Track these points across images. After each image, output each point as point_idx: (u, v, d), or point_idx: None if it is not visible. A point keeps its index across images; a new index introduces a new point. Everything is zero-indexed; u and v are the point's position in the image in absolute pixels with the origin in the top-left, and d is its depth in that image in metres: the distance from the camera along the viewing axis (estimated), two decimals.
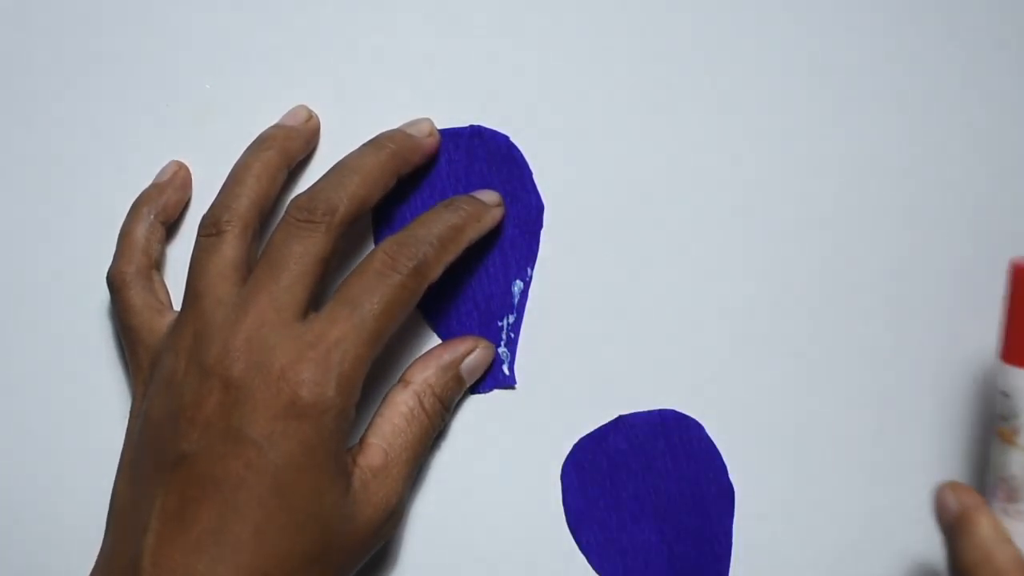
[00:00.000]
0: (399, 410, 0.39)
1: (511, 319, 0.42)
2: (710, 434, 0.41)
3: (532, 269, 0.42)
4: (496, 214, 0.40)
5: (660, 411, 0.41)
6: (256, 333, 0.35)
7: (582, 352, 0.42)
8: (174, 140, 0.43)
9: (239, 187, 0.39)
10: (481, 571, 0.42)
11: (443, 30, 0.42)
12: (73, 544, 0.42)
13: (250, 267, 0.38)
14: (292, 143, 0.41)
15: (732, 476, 0.41)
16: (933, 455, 0.40)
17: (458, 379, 0.40)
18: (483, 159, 0.42)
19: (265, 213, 0.40)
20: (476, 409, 0.42)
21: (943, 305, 0.40)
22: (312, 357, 0.35)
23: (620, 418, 0.41)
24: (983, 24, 0.41)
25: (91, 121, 0.43)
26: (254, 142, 0.41)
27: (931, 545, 0.39)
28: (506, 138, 0.42)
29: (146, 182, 0.43)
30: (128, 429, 0.39)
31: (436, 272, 0.38)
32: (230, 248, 0.38)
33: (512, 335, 0.42)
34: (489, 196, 0.41)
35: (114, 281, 0.40)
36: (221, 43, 0.43)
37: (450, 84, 0.42)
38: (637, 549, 0.41)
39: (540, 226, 0.42)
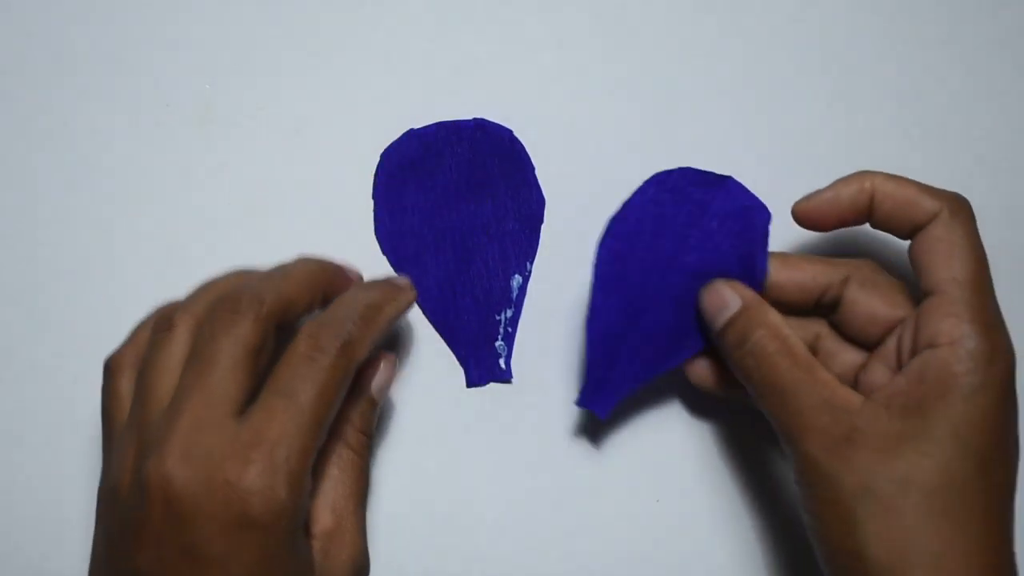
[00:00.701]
0: (329, 460, 0.37)
1: (509, 313, 0.42)
2: None
3: (531, 264, 0.42)
4: (410, 296, 0.38)
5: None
6: (192, 438, 0.33)
7: (579, 348, 0.42)
8: (174, 140, 0.43)
9: (207, 293, 0.37)
10: (474, 562, 0.42)
11: (446, 26, 0.43)
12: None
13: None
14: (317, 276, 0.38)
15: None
16: None
17: (371, 402, 0.38)
18: (486, 152, 0.42)
19: None
20: (471, 403, 0.42)
21: None
22: (256, 459, 0.33)
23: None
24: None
25: (91, 121, 0.43)
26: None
27: None
28: (509, 132, 0.42)
29: (146, 182, 0.43)
30: (95, 530, 0.36)
31: (363, 349, 0.36)
32: (178, 345, 0.35)
33: (510, 329, 0.42)
34: (401, 280, 0.39)
35: (109, 365, 0.37)
36: (221, 43, 0.43)
37: (454, 80, 0.42)
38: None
39: (541, 221, 0.42)
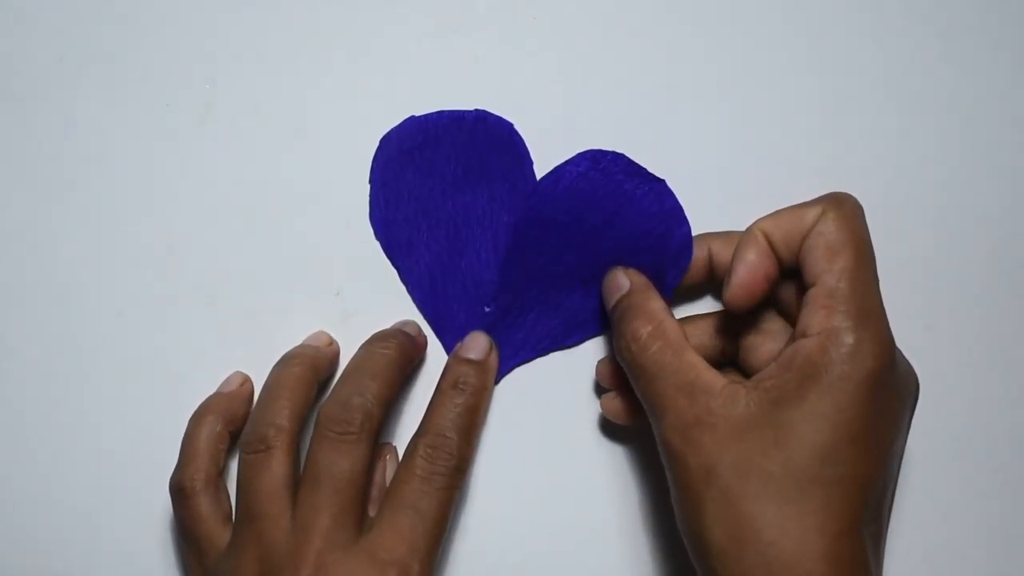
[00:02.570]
0: None
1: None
2: None
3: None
4: (493, 362, 0.41)
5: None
6: (326, 558, 0.36)
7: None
8: (174, 140, 0.43)
9: (277, 402, 0.38)
10: (464, 557, 0.41)
11: (445, 24, 0.43)
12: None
13: (297, 480, 0.38)
14: (319, 362, 0.41)
15: None
16: None
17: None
18: (484, 143, 0.42)
19: (303, 427, 0.39)
20: None
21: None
22: (394, 574, 0.36)
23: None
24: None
25: (91, 121, 0.43)
26: (282, 360, 0.41)
27: None
28: (509, 125, 0.42)
29: (146, 182, 0.43)
30: None
31: (470, 461, 0.39)
32: (279, 465, 0.37)
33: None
34: (479, 346, 0.40)
35: (184, 488, 0.39)
36: (221, 43, 0.43)
37: (454, 79, 0.43)
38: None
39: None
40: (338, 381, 0.39)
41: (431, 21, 0.43)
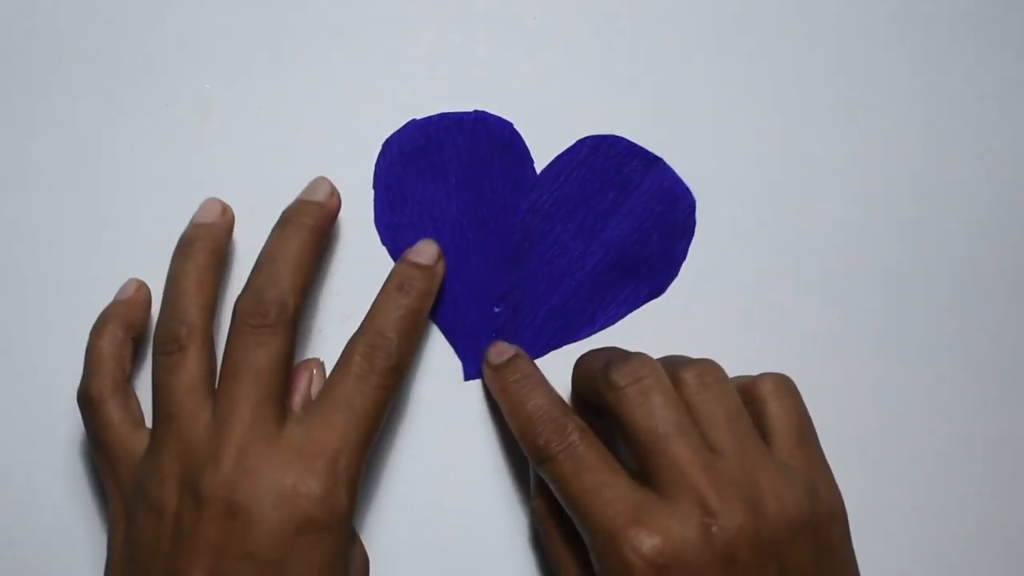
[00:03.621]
0: None
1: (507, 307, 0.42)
2: None
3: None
4: (440, 269, 0.40)
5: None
6: (247, 450, 0.35)
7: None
8: (174, 140, 0.43)
9: (185, 298, 0.38)
10: (471, 556, 0.41)
11: (445, 24, 0.43)
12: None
13: (213, 375, 0.38)
14: (218, 241, 0.40)
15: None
16: None
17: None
18: (485, 144, 0.42)
19: (214, 316, 0.39)
20: (468, 397, 0.42)
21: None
22: (319, 469, 0.35)
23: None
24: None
25: (91, 121, 0.43)
26: (178, 247, 0.40)
27: None
28: (510, 125, 0.42)
29: (146, 183, 0.43)
30: (110, 557, 0.37)
31: (408, 362, 0.39)
32: (194, 362, 0.37)
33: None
34: (427, 252, 0.40)
35: (92, 396, 0.38)
36: (221, 43, 0.43)
37: (454, 79, 0.43)
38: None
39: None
40: (253, 269, 0.38)
41: (431, 21, 0.43)
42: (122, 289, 0.41)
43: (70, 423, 0.42)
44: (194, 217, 0.41)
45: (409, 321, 0.38)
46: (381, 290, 0.39)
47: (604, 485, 0.34)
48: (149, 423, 0.39)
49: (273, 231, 0.39)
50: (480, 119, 0.42)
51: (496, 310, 0.41)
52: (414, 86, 0.43)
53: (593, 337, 0.41)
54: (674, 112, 0.42)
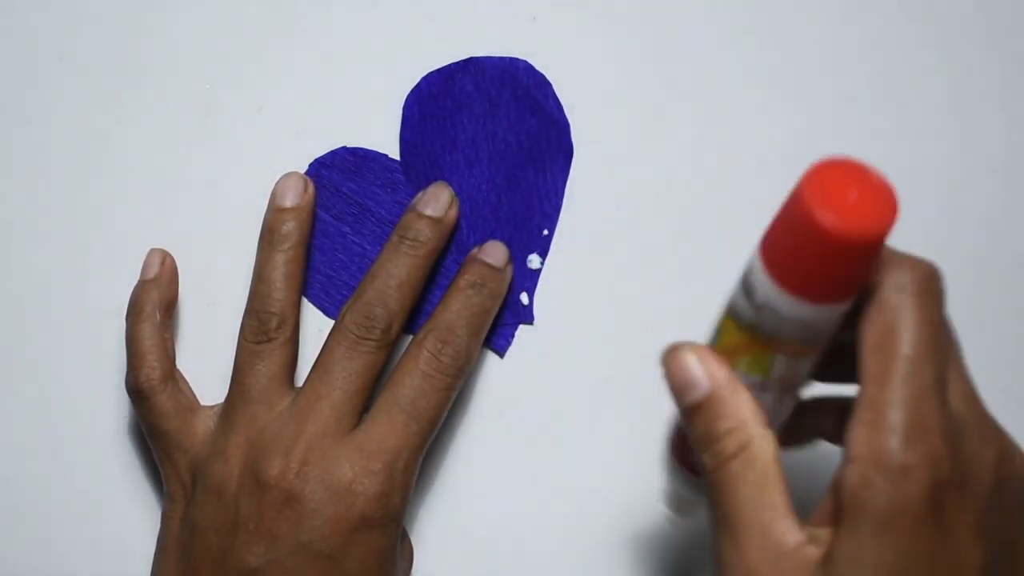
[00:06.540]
0: None
1: (535, 261, 0.42)
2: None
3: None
4: (508, 275, 0.41)
5: (512, 59, 0.42)
6: (317, 444, 0.36)
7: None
8: (174, 140, 0.43)
9: (276, 291, 0.39)
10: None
11: (445, 24, 0.43)
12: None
13: (294, 367, 0.39)
14: (304, 227, 0.41)
15: (574, 137, 0.42)
16: None
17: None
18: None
19: (299, 310, 0.40)
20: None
21: None
22: (378, 470, 0.36)
23: (471, 59, 0.42)
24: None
25: (91, 121, 0.43)
26: (266, 233, 0.40)
27: None
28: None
29: (146, 183, 0.43)
30: (166, 534, 0.38)
31: (474, 363, 0.40)
32: (280, 353, 0.38)
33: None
34: (498, 255, 0.40)
35: (141, 388, 0.39)
36: (221, 43, 0.43)
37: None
38: (464, 194, 0.41)
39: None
40: (366, 278, 0.39)
41: (431, 21, 0.43)
42: (146, 265, 0.41)
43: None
44: (277, 195, 0.41)
45: (480, 321, 0.39)
46: (453, 285, 0.39)
47: None
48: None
49: (392, 240, 0.39)
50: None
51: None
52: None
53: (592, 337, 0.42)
54: (675, 113, 0.43)
